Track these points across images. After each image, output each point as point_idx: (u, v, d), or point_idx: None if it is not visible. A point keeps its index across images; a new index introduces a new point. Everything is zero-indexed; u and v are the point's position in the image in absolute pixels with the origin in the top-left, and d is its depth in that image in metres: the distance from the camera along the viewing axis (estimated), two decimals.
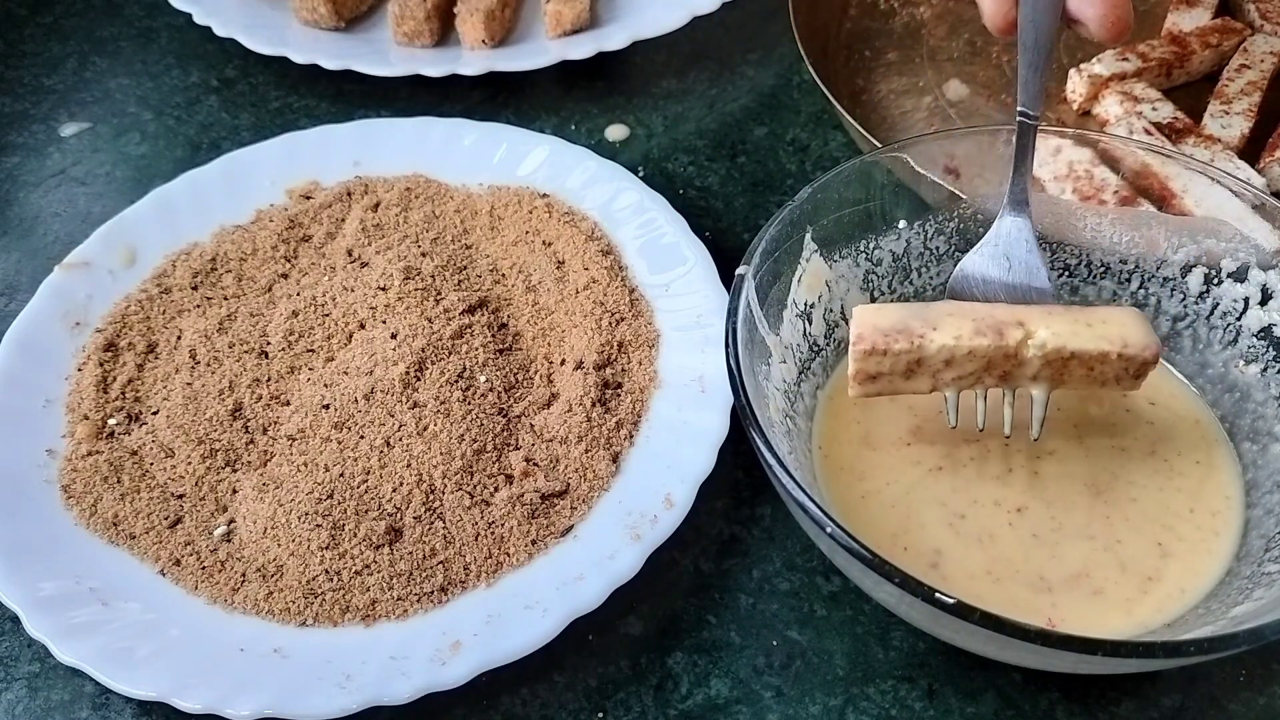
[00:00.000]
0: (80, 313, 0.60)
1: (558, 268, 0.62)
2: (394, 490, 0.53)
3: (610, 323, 0.59)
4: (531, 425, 0.55)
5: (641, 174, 0.67)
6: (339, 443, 0.54)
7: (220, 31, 0.75)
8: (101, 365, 0.58)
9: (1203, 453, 0.51)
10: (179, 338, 0.60)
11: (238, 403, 0.57)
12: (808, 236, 0.52)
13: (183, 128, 0.75)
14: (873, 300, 0.55)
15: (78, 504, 0.53)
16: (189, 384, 0.57)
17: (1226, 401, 0.52)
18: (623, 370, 0.58)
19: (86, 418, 0.56)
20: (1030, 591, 0.46)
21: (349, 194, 0.67)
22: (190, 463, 0.54)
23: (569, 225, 0.64)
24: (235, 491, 0.54)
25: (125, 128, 0.75)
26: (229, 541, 0.52)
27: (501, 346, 0.59)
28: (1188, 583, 0.47)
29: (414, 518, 0.52)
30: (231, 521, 0.53)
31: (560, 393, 0.57)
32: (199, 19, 0.76)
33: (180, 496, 0.54)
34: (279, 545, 0.51)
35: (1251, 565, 0.46)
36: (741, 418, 0.44)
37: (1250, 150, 0.66)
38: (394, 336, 0.57)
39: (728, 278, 0.55)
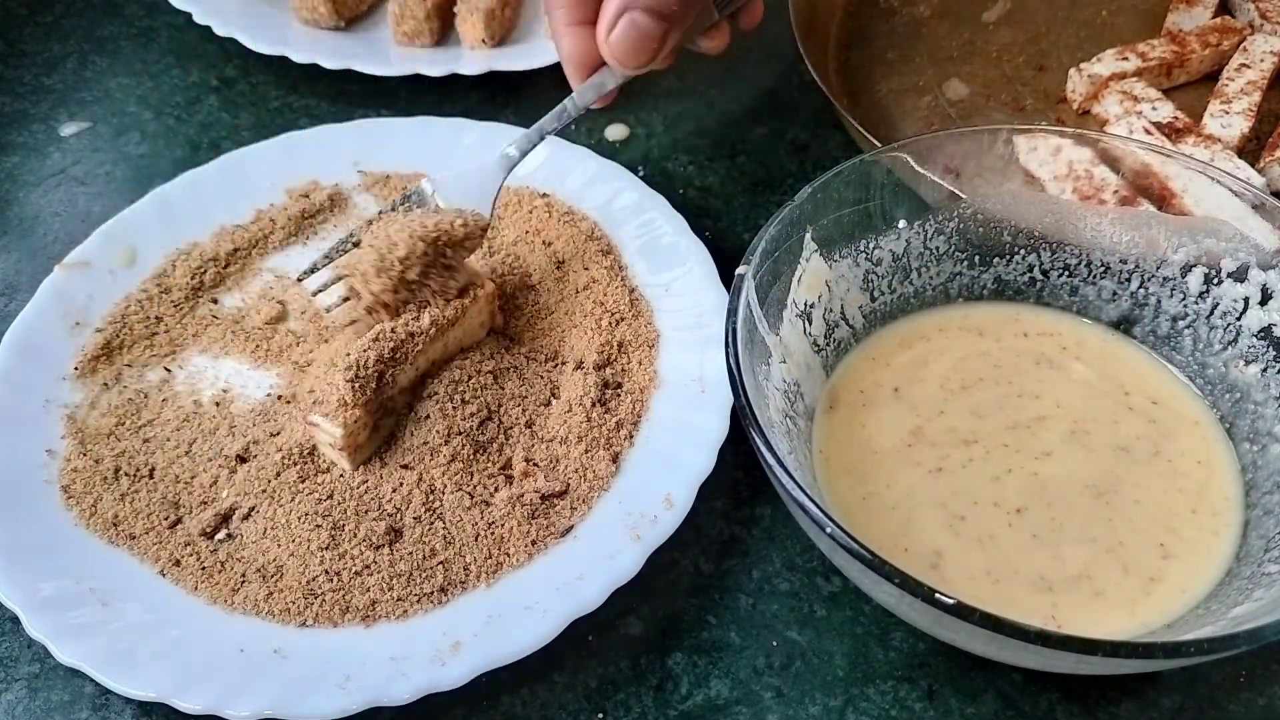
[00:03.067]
0: (80, 313, 0.60)
1: (558, 268, 0.62)
2: (394, 490, 0.53)
3: (610, 323, 0.59)
4: (531, 425, 0.55)
5: (641, 174, 0.67)
6: None
7: (220, 31, 0.75)
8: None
9: (1203, 453, 0.51)
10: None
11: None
12: (808, 236, 0.52)
13: (183, 128, 0.75)
14: (872, 300, 0.55)
15: (78, 504, 0.53)
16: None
17: (1226, 401, 0.52)
18: (623, 370, 0.58)
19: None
20: (1030, 592, 0.46)
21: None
22: (190, 463, 0.54)
23: (569, 225, 0.64)
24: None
25: (125, 128, 0.75)
26: (229, 542, 0.52)
27: (502, 346, 0.59)
28: (1189, 583, 0.47)
29: (414, 518, 0.52)
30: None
31: (560, 393, 0.57)
32: (199, 19, 0.76)
33: (180, 496, 0.54)
34: (279, 545, 0.51)
35: (1251, 566, 0.46)
36: (741, 418, 0.44)
37: (1250, 150, 0.66)
38: None
39: (728, 278, 0.55)
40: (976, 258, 0.56)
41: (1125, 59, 0.69)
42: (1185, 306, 0.54)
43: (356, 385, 0.52)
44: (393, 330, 0.54)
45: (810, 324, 0.53)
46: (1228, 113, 0.66)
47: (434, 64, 0.73)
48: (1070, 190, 0.56)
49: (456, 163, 0.67)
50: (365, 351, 0.53)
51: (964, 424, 0.52)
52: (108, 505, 0.53)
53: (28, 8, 0.84)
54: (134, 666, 0.47)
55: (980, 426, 0.52)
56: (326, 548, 0.50)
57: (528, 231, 0.64)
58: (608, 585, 0.49)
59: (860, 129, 0.64)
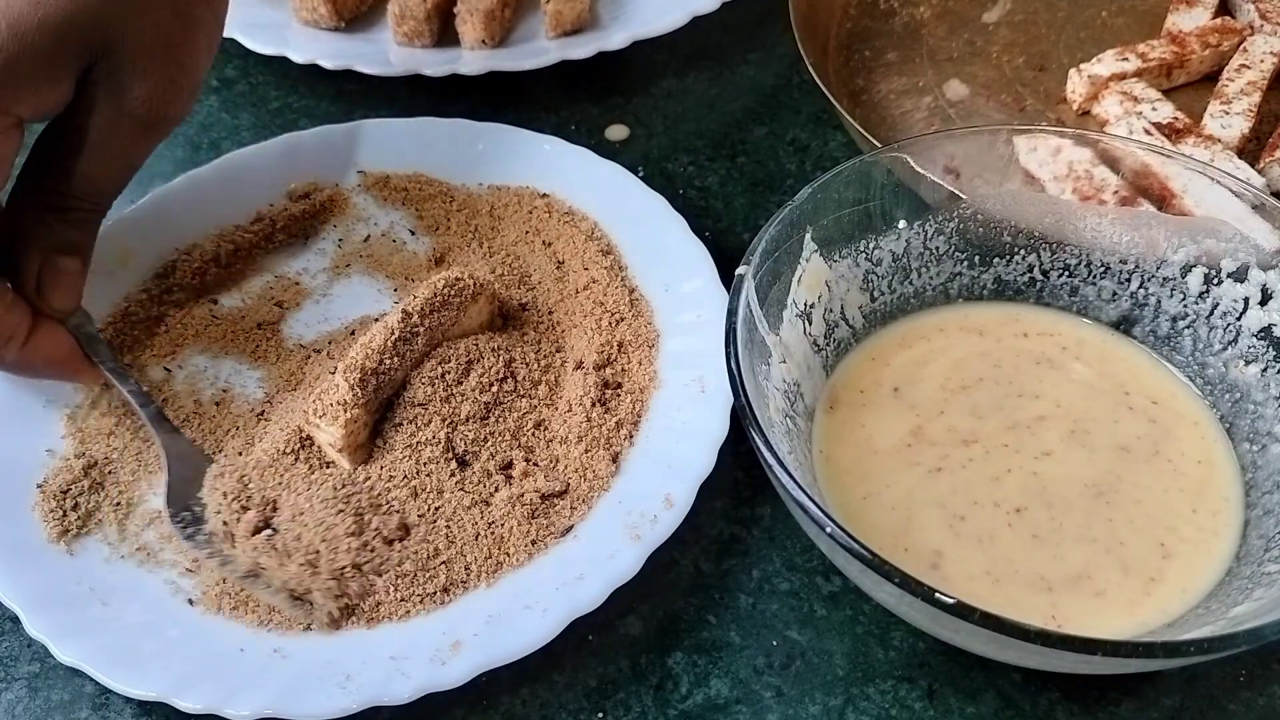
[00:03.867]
0: None
1: (558, 268, 0.62)
2: (393, 491, 0.52)
3: (610, 323, 0.59)
4: (531, 425, 0.55)
5: (641, 174, 0.67)
6: None
7: None
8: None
9: (1203, 453, 0.51)
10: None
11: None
12: (808, 236, 0.52)
13: (182, 128, 0.75)
14: (872, 300, 0.55)
15: None
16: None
17: (1226, 401, 0.52)
18: (623, 370, 0.58)
19: None
20: (1030, 592, 0.46)
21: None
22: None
23: (569, 225, 0.64)
24: None
25: None
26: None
27: (502, 346, 0.58)
28: (1189, 583, 0.47)
29: (418, 515, 0.52)
30: None
31: (560, 393, 0.57)
32: None
33: None
34: None
35: (1251, 565, 0.46)
36: (741, 418, 0.44)
37: (1250, 150, 0.66)
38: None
39: (728, 278, 0.55)
40: (976, 258, 0.56)
41: (1125, 59, 0.69)
42: (1185, 306, 0.54)
43: (356, 385, 0.52)
44: (393, 330, 0.54)
45: (810, 324, 0.53)
46: (1228, 113, 0.66)
47: (434, 64, 0.73)
48: (1070, 190, 0.56)
49: (456, 163, 0.67)
50: (365, 352, 0.53)
51: (964, 424, 0.52)
52: None
53: None
54: (134, 666, 0.47)
55: (980, 426, 0.52)
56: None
57: (528, 231, 0.64)
58: (608, 585, 0.49)
59: (860, 129, 0.64)
